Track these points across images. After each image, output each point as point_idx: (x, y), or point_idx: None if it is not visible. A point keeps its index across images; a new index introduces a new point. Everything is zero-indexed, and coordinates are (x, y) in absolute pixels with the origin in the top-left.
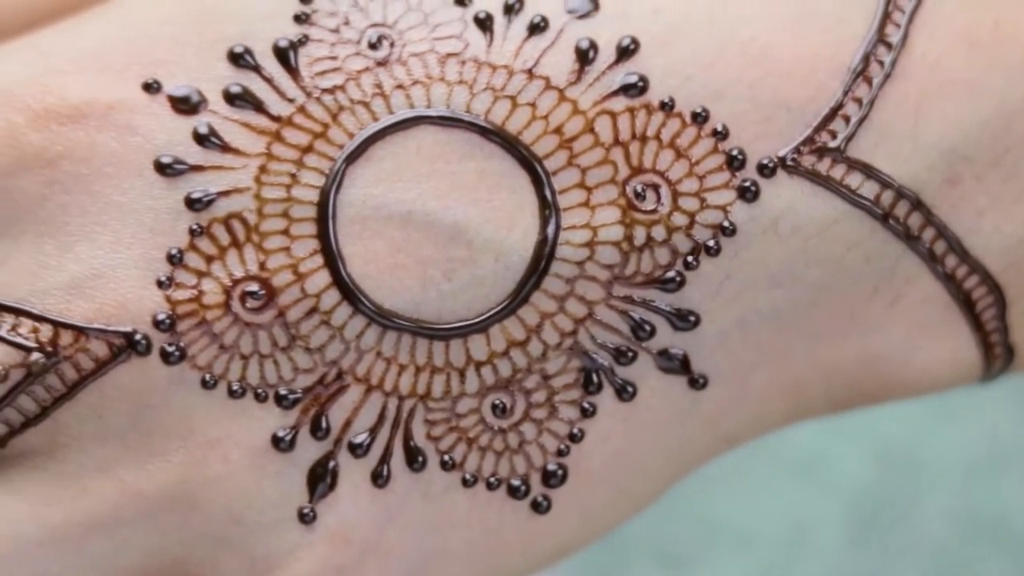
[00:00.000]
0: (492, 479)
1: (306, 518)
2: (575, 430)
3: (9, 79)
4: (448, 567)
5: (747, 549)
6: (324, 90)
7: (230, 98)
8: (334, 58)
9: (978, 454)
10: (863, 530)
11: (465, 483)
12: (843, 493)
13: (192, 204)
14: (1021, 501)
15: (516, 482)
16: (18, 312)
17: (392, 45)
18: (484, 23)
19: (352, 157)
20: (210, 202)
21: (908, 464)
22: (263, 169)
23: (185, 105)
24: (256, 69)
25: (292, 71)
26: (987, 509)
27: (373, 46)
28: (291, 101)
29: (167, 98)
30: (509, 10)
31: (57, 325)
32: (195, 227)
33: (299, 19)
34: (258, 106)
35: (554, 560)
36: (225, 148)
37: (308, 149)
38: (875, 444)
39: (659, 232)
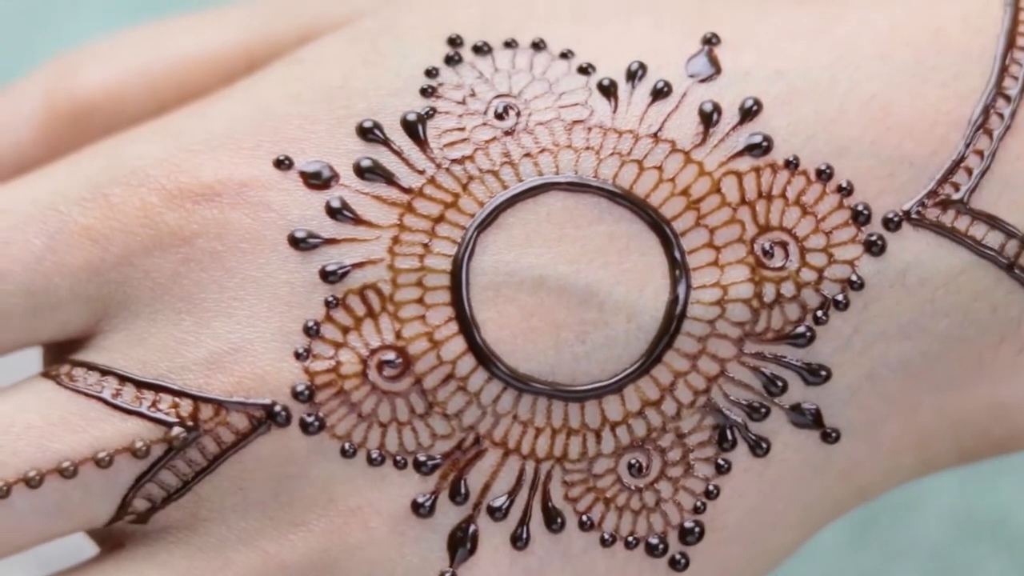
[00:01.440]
0: (630, 538)
1: None
2: (711, 487)
3: (143, 161)
4: None
5: None
6: (453, 160)
7: (361, 172)
8: (462, 129)
9: None
10: (862, 530)
11: (604, 543)
12: None
13: (327, 277)
14: (1020, 502)
15: (654, 540)
16: (158, 388)
17: (519, 115)
18: (608, 90)
19: (483, 225)
20: (344, 274)
21: None
22: (396, 240)
23: (317, 180)
24: (385, 143)
25: (421, 143)
26: (986, 510)
27: (500, 116)
28: (421, 172)
29: (299, 174)
30: (632, 76)
31: (197, 400)
32: (331, 299)
33: (425, 92)
34: (389, 178)
35: None
36: (358, 221)
37: (440, 219)
38: None
39: (788, 288)
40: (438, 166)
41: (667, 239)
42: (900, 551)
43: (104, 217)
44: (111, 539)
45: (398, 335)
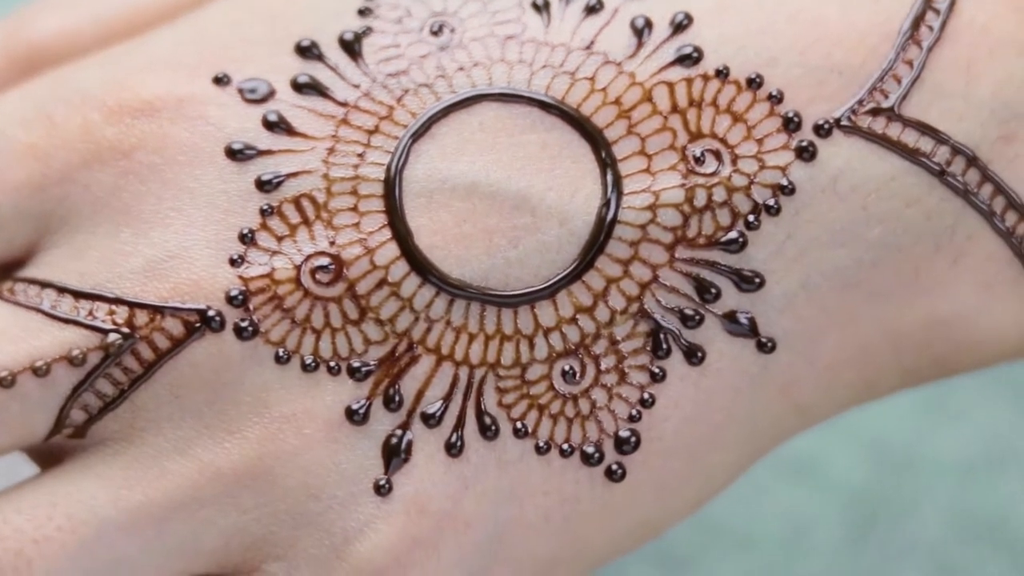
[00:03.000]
0: (565, 446)
1: (382, 490)
2: (646, 395)
3: (85, 82)
4: (526, 538)
5: (744, 550)
6: (388, 75)
7: (298, 87)
8: (397, 46)
9: (976, 454)
10: (861, 531)
11: (539, 450)
12: (840, 494)
13: (262, 186)
14: (1020, 502)
15: (590, 449)
16: (95, 297)
17: (453, 31)
18: (541, 7)
19: (417, 135)
20: (280, 183)
21: (906, 464)
22: (331, 151)
23: (254, 95)
24: (322, 59)
25: (357, 59)
26: (985, 510)
27: (435, 33)
28: (356, 87)
29: (237, 90)
30: None
31: (132, 306)
32: (266, 207)
33: (363, 13)
34: (324, 93)
35: (636, 538)
36: (293, 132)
37: (374, 130)
38: (872, 444)
39: (720, 193)
40: (373, 80)
41: (598, 147)
42: (900, 551)
43: (47, 135)
44: (51, 458)
45: (332, 242)
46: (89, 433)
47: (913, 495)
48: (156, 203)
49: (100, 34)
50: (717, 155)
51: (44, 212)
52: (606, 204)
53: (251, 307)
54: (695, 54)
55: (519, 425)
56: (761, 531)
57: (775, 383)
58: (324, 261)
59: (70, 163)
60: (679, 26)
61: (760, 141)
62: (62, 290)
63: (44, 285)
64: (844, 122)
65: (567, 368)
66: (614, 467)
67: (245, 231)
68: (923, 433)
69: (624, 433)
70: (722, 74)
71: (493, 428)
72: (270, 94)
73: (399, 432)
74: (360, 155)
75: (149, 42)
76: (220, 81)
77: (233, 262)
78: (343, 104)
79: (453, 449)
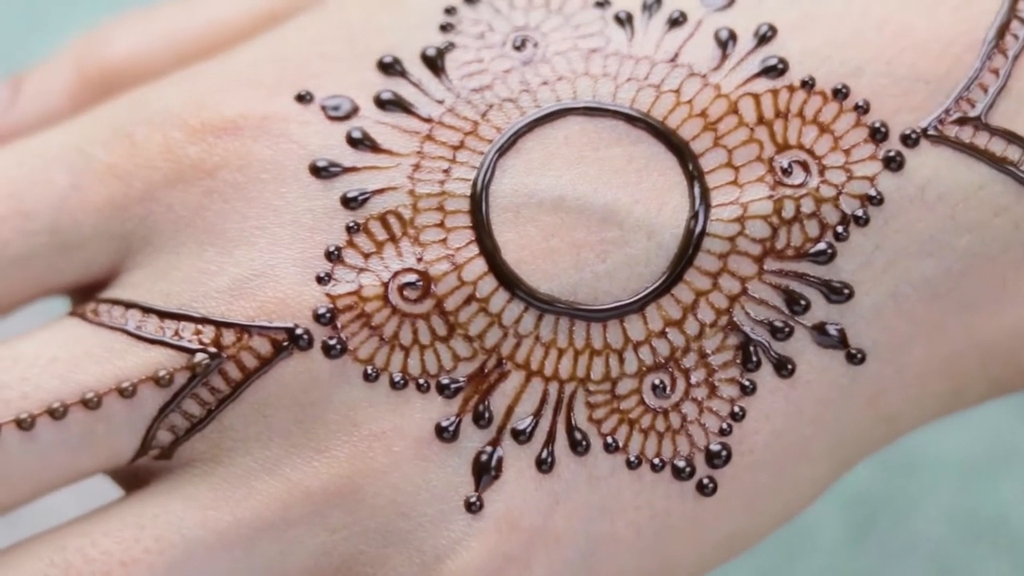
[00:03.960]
0: (656, 460)
1: (473, 507)
2: (736, 408)
3: (165, 101)
4: (617, 554)
5: (745, 551)
6: (472, 90)
7: (381, 104)
8: (480, 60)
9: (977, 455)
10: (861, 531)
11: (630, 465)
12: (841, 494)
13: (348, 203)
14: (1021, 502)
15: (680, 463)
16: (181, 317)
17: (536, 46)
18: (624, 20)
19: (502, 150)
20: (365, 200)
21: (907, 465)
22: (416, 167)
23: (337, 112)
24: (405, 76)
25: (440, 75)
26: (986, 510)
27: (518, 48)
28: (440, 102)
29: (319, 107)
30: (647, 8)
31: (219, 325)
32: (352, 224)
33: (444, 28)
34: (408, 109)
35: (724, 552)
36: (378, 149)
37: (459, 146)
38: None
39: (808, 204)
40: (457, 96)
41: (685, 159)
42: (900, 551)
43: (127, 155)
44: (136, 481)
45: (419, 259)
46: (176, 454)
47: (914, 495)
48: (240, 222)
49: (173, 55)
50: (804, 166)
51: (126, 232)
52: (694, 216)
53: (339, 325)
54: (780, 65)
55: (609, 440)
56: None
57: (864, 394)
58: (412, 278)
59: (152, 182)
60: (763, 38)
61: (847, 152)
62: (147, 310)
63: (128, 306)
64: (931, 132)
65: (657, 382)
66: (705, 481)
67: (331, 249)
68: (924, 433)
69: (715, 447)
70: (808, 85)
71: (584, 443)
72: (353, 111)
73: (489, 449)
74: (446, 171)
75: (228, 61)
76: (302, 99)
77: (320, 280)
78: (427, 120)
79: (544, 465)
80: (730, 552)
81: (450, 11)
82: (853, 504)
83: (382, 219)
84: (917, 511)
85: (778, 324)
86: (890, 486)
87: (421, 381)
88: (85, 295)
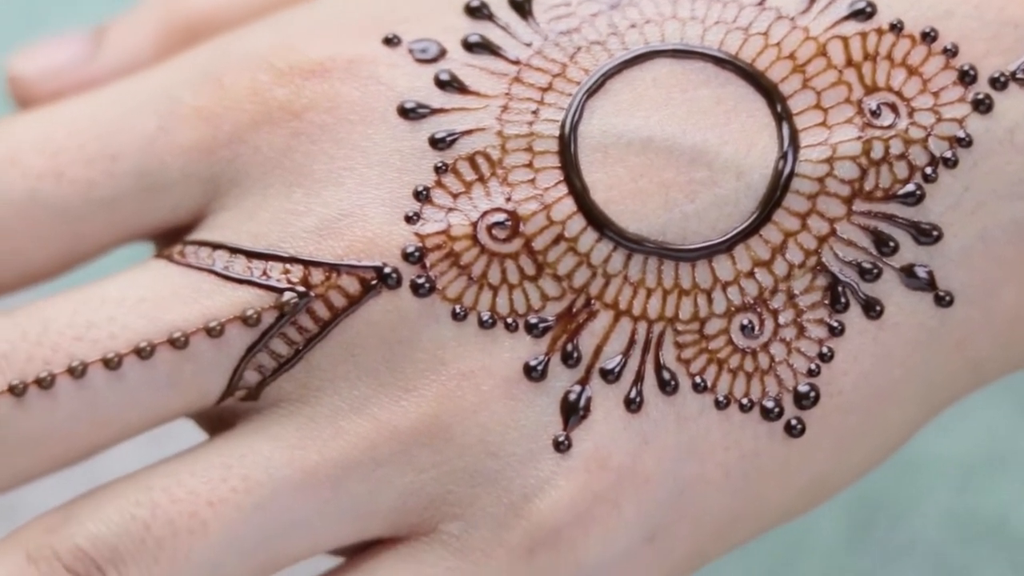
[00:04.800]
0: (745, 401)
1: (561, 446)
2: (824, 349)
3: (253, 46)
4: (705, 495)
5: (745, 551)
6: (560, 33)
7: (468, 46)
8: (568, 4)
9: (976, 455)
10: (861, 531)
11: (718, 405)
12: (841, 495)
13: (436, 144)
14: (1020, 503)
15: (769, 403)
16: (268, 257)
17: None
18: None
19: (590, 92)
20: (453, 141)
21: (906, 465)
22: (504, 108)
23: (425, 55)
24: (492, 19)
25: (528, 18)
26: (986, 511)
27: None
28: (528, 45)
29: (407, 50)
30: None
31: (308, 264)
32: (440, 165)
33: None
34: (496, 52)
35: (811, 497)
36: (466, 91)
37: (547, 88)
38: None
39: (897, 146)
40: (545, 39)
41: (773, 101)
42: (899, 552)
43: (215, 98)
44: (221, 423)
45: (508, 198)
46: (262, 395)
47: (913, 495)
48: (328, 162)
49: (256, 5)
50: (893, 108)
51: (213, 175)
52: (783, 157)
53: (427, 264)
54: (868, 8)
55: (698, 380)
56: None
57: (952, 337)
58: (500, 217)
59: (240, 124)
60: None
61: (936, 94)
62: (234, 251)
63: (216, 247)
64: (1020, 75)
65: (746, 322)
66: (793, 422)
67: (420, 189)
68: (923, 433)
69: (803, 388)
70: (896, 28)
71: (672, 383)
72: (441, 54)
73: (578, 388)
74: (534, 112)
75: (315, 7)
76: (390, 42)
77: (409, 219)
78: (515, 62)
79: (632, 405)
80: (818, 497)
81: None
82: (852, 504)
83: (470, 160)
84: (916, 511)
85: (866, 265)
86: (889, 486)
87: (509, 320)
88: (169, 242)
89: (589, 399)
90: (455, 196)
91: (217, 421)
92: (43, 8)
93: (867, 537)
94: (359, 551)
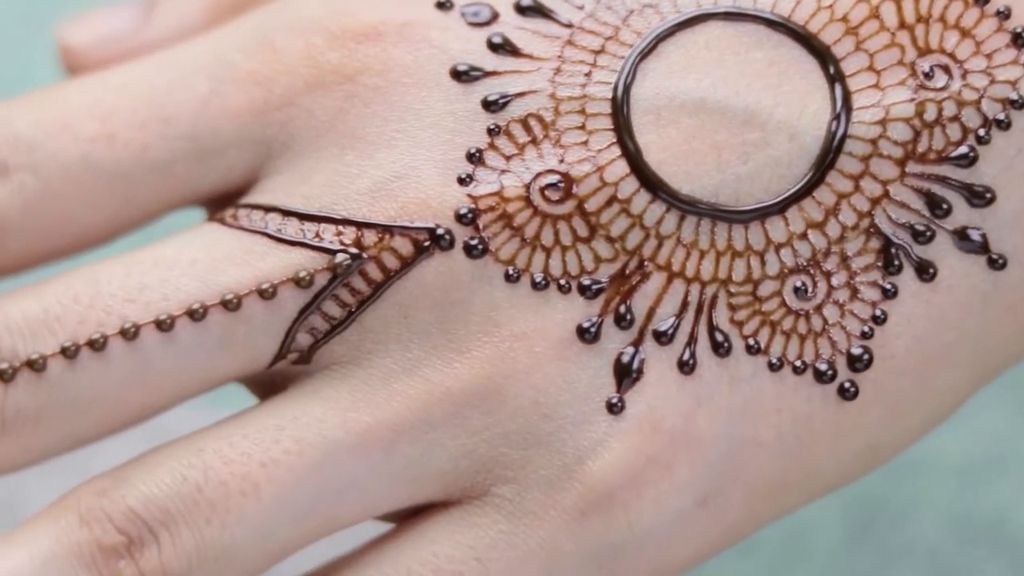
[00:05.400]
0: (798, 363)
1: (614, 408)
2: (878, 312)
3: (306, 10)
4: (758, 457)
5: (744, 552)
6: None
7: (521, 10)
8: None
9: (976, 456)
10: (860, 532)
11: (771, 367)
12: (840, 495)
13: (489, 106)
14: (1019, 504)
15: (822, 366)
16: (321, 219)
17: None
18: None
19: (643, 54)
20: (506, 103)
21: (905, 466)
22: (557, 71)
23: (477, 19)
24: None
25: None
26: (985, 512)
27: None
28: (580, 8)
29: (459, 14)
30: None
31: (360, 226)
32: (493, 127)
33: None
34: (548, 15)
35: (863, 462)
36: (518, 54)
37: (600, 51)
38: None
39: (950, 108)
40: (597, 2)
41: (826, 63)
42: (898, 552)
43: (268, 61)
44: (272, 388)
45: (561, 160)
46: (314, 358)
47: (912, 497)
48: (381, 125)
49: None
50: (946, 70)
51: (266, 138)
52: (836, 119)
53: (480, 225)
54: None
55: (751, 342)
56: (759, 533)
57: (1005, 301)
58: (553, 179)
59: (293, 88)
60: None
61: (989, 56)
62: (287, 213)
63: (268, 209)
64: None
65: (799, 284)
66: (847, 385)
67: (473, 150)
68: None
69: (856, 350)
70: None
71: (725, 345)
72: (493, 17)
73: (631, 350)
74: (587, 75)
75: None
76: (442, 6)
77: (461, 181)
78: (567, 25)
79: (685, 367)
80: (870, 463)
81: None
82: (851, 506)
83: (523, 122)
84: (915, 513)
85: (919, 227)
86: (888, 488)
87: (562, 282)
88: (220, 210)
89: (642, 361)
90: (508, 158)
91: (269, 385)
92: (43, 8)
93: (867, 537)
94: (409, 517)
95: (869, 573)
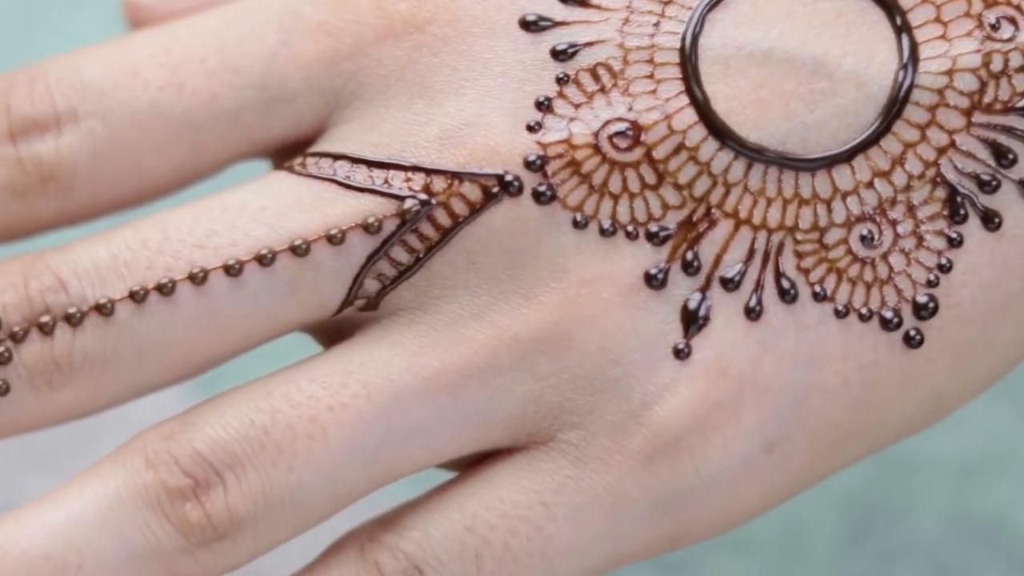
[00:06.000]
0: (864, 310)
1: (681, 354)
2: (943, 260)
3: None
4: (824, 404)
5: (742, 553)
6: None
7: None
8: None
9: (974, 456)
10: (858, 533)
11: (838, 314)
12: (838, 497)
13: (558, 56)
14: (1017, 504)
15: (888, 314)
16: (390, 166)
17: None
18: None
19: (711, 5)
20: (575, 53)
21: (903, 466)
22: (625, 21)
23: None
24: None
25: None
26: (983, 512)
27: None
28: None
29: None
30: None
31: (430, 172)
32: (562, 76)
33: None
34: None
35: (928, 412)
36: (587, 4)
37: (668, 1)
38: None
39: (1016, 58)
40: None
41: (893, 14)
42: (896, 553)
43: (338, 11)
44: (339, 336)
45: (629, 108)
46: (382, 304)
47: (910, 497)
48: (450, 74)
49: None
50: (1012, 22)
51: (335, 88)
52: (903, 68)
53: (549, 172)
54: None
55: (818, 289)
56: (758, 533)
57: None
58: (622, 127)
59: (362, 37)
60: None
61: None
62: (356, 160)
63: (337, 157)
64: None
65: (865, 232)
66: (912, 332)
67: (541, 99)
68: (920, 435)
69: (922, 298)
70: None
71: (792, 292)
72: None
73: (698, 296)
74: (655, 24)
75: None
76: None
77: (530, 128)
78: None
79: (752, 313)
80: (934, 414)
81: None
82: (850, 506)
83: (592, 71)
84: (914, 513)
85: (985, 177)
86: (887, 487)
87: (630, 228)
88: (287, 160)
89: (709, 307)
90: (577, 106)
91: (335, 333)
92: (43, 8)
93: (865, 538)
94: (472, 465)
95: (868, 573)
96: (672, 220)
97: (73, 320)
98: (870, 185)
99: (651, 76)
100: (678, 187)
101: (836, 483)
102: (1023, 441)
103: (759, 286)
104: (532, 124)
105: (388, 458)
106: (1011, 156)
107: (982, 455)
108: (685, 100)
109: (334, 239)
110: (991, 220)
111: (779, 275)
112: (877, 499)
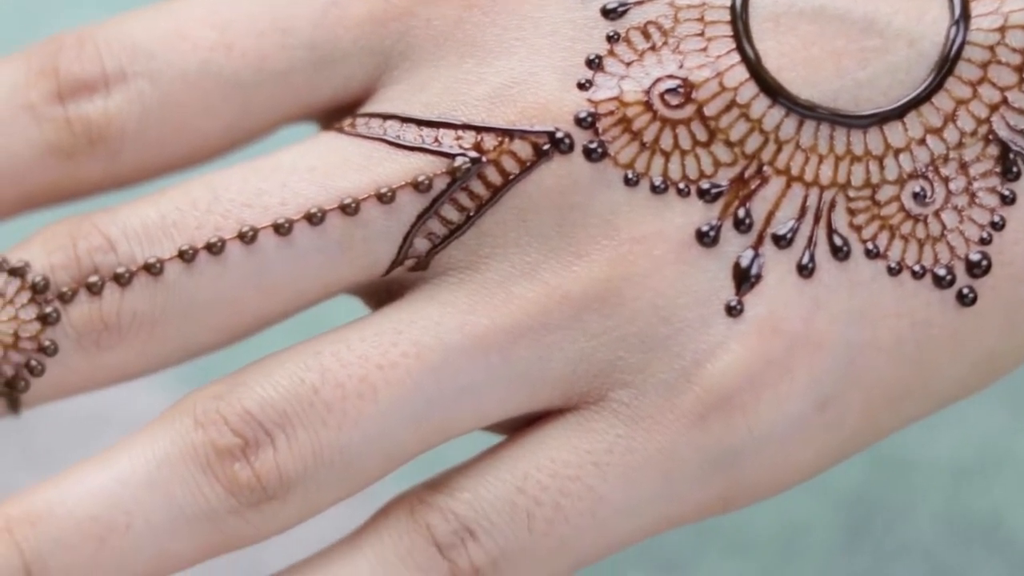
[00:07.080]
0: (917, 267)
1: (733, 311)
2: (996, 218)
3: None
4: (877, 362)
5: (740, 553)
6: None
7: None
8: None
9: (971, 457)
10: (855, 533)
11: (890, 271)
12: (835, 497)
13: (608, 14)
14: (1014, 504)
15: (941, 271)
16: (440, 125)
17: None
18: None
19: None
20: (625, 11)
21: (900, 467)
22: None
23: None
24: None
25: None
26: (980, 512)
27: None
28: None
29: None
30: None
31: (480, 130)
32: (612, 34)
33: None
34: None
35: (981, 372)
36: None
37: None
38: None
39: None
40: None
41: None
42: (894, 554)
43: None
44: (388, 297)
45: (680, 65)
46: (432, 264)
47: (908, 497)
48: (500, 33)
49: None
50: None
51: (384, 48)
52: (955, 25)
53: (600, 129)
54: None
55: (870, 246)
56: (756, 534)
57: None
58: (673, 84)
59: None
60: None
61: None
62: (406, 120)
63: (387, 117)
64: None
65: (917, 189)
66: (965, 290)
67: (592, 57)
68: (918, 435)
69: (975, 256)
70: None
71: (844, 249)
72: None
73: (750, 253)
74: None
75: None
76: None
77: (581, 86)
78: None
79: (804, 270)
80: (987, 375)
81: None
82: (847, 506)
83: (643, 29)
84: (911, 513)
85: None
86: (884, 488)
87: (682, 186)
88: (335, 122)
89: (761, 264)
90: (627, 64)
91: (384, 294)
92: (42, 8)
93: (862, 539)
94: (522, 427)
95: (865, 572)
96: (724, 177)
97: (122, 280)
98: (922, 142)
99: (702, 34)
100: (729, 144)
101: (834, 483)
102: (1020, 442)
103: (811, 243)
104: (583, 82)
105: (438, 418)
106: None
107: (979, 455)
108: (736, 58)
109: (384, 197)
110: None
111: (831, 232)
112: (875, 499)
